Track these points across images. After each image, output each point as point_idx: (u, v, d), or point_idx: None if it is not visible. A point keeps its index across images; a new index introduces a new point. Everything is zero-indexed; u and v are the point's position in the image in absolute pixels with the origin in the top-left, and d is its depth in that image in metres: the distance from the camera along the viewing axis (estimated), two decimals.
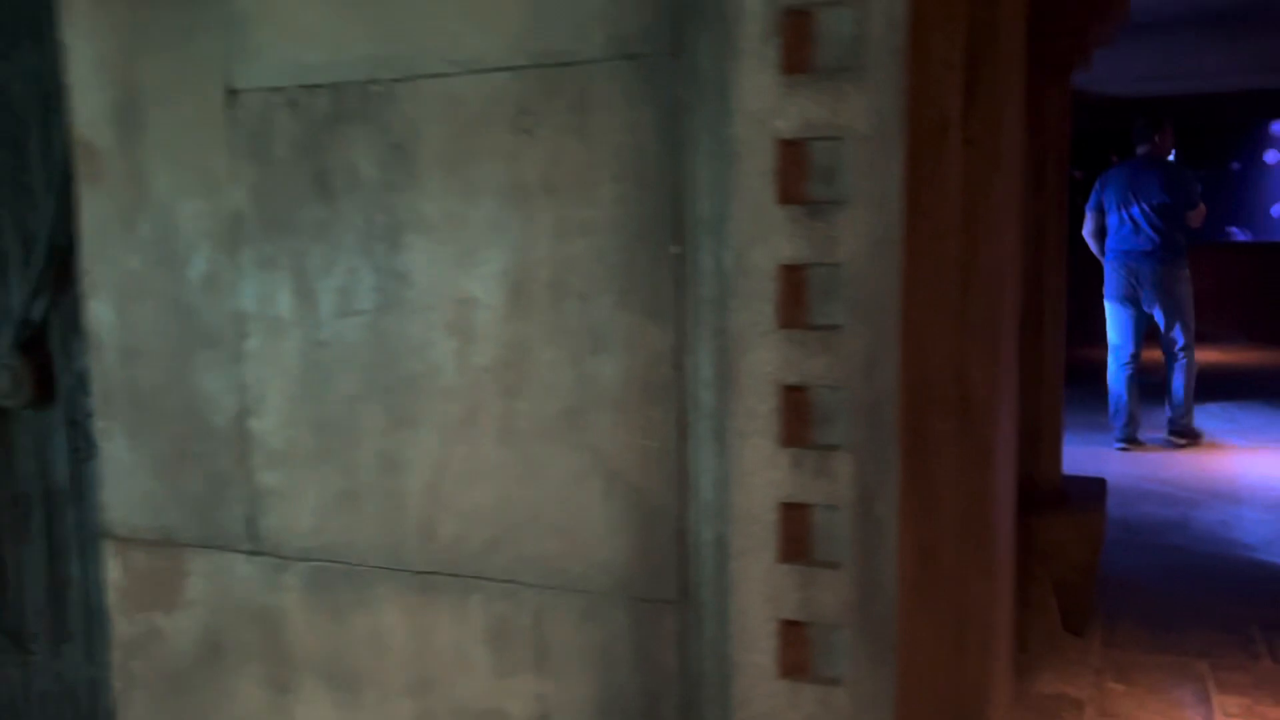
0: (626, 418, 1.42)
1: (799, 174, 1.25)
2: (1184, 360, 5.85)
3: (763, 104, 1.25)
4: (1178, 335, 5.82)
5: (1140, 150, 5.81)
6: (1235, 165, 11.77)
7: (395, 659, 1.59)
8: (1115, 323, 5.92)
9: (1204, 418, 6.46)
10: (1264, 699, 2.83)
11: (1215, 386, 6.83)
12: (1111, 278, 5.89)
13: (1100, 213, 5.88)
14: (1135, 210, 5.70)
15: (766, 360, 1.28)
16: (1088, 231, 5.94)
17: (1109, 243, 5.86)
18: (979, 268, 1.25)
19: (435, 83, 1.48)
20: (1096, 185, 5.94)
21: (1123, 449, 5.88)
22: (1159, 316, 5.79)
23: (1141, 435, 5.99)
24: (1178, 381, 5.93)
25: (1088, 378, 8.09)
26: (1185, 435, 5.98)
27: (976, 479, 1.28)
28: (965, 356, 1.25)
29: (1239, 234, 11.65)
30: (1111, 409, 5.99)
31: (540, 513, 1.48)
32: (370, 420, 1.55)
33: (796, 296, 1.26)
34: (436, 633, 1.56)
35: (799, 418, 1.27)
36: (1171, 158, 6.13)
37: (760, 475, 1.29)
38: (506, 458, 1.49)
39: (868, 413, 1.24)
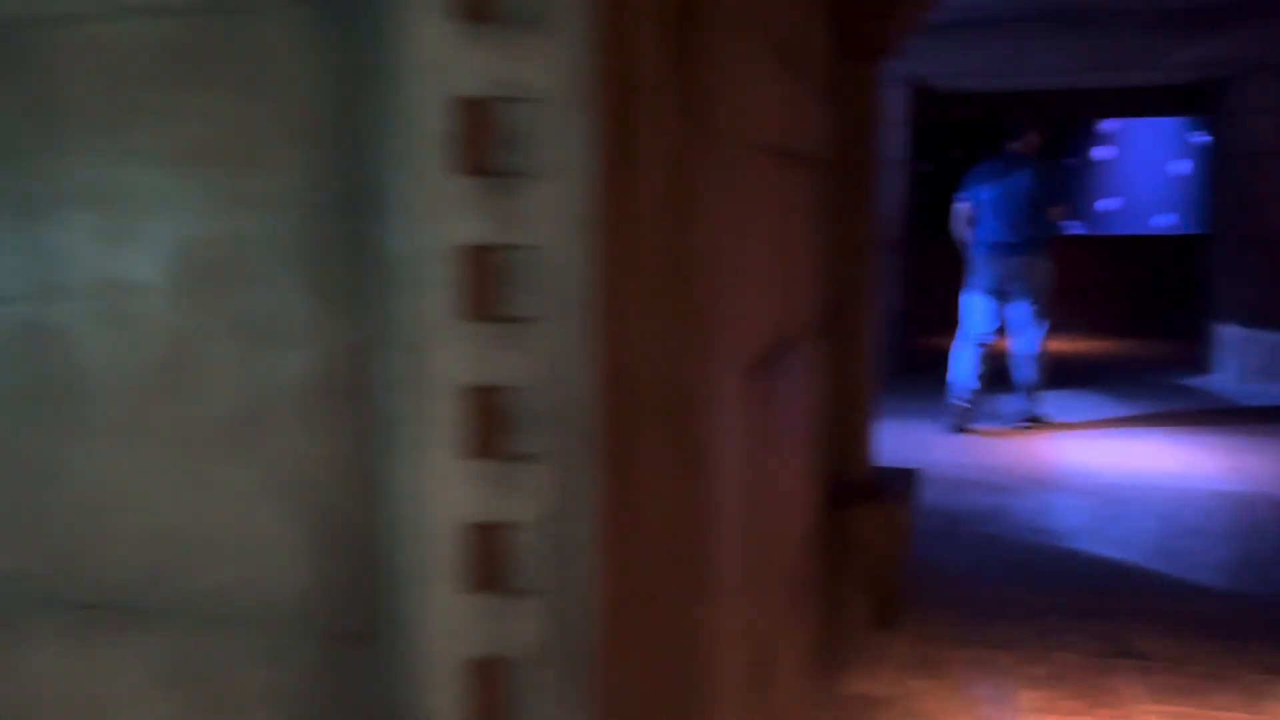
0: (311, 424, 1.22)
1: (483, 140, 1.07)
2: (1037, 350, 6.04)
3: (439, 57, 1.07)
4: (1035, 325, 6.00)
5: (1011, 146, 6.01)
6: (1068, 161, 12.24)
7: (53, 707, 1.35)
8: (975, 311, 6.05)
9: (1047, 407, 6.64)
10: (1062, 691, 2.83)
11: (1051, 375, 7.01)
12: (979, 268, 6.03)
13: (971, 204, 6.05)
14: (1005, 203, 5.88)
15: (450, 358, 1.10)
16: (959, 223, 6.13)
17: (978, 234, 6.03)
18: (694, 254, 1.10)
19: (81, 26, 1.25)
20: (968, 178, 6.13)
21: (963, 433, 6.04)
22: (1019, 307, 5.97)
23: (980, 423, 6.15)
24: (1030, 369, 6.11)
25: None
26: (1033, 420, 6.16)
27: (694, 489, 1.13)
28: (678, 353, 1.11)
29: (1069, 226, 12.12)
30: (955, 394, 6.14)
31: (216, 535, 1.27)
32: (14, 428, 1.31)
33: (483, 284, 1.09)
34: (101, 675, 1.33)
35: (488, 424, 1.10)
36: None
37: (445, 491, 1.12)
38: (176, 471, 1.27)
39: (563, 418, 1.07)
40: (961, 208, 6.12)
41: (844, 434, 3.19)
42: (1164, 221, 11.88)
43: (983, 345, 6.03)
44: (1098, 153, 12.46)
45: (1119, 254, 10.72)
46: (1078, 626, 3.25)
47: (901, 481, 3.43)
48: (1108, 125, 12.27)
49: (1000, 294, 5.96)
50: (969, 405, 6.06)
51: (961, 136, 11.57)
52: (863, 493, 3.22)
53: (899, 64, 7.86)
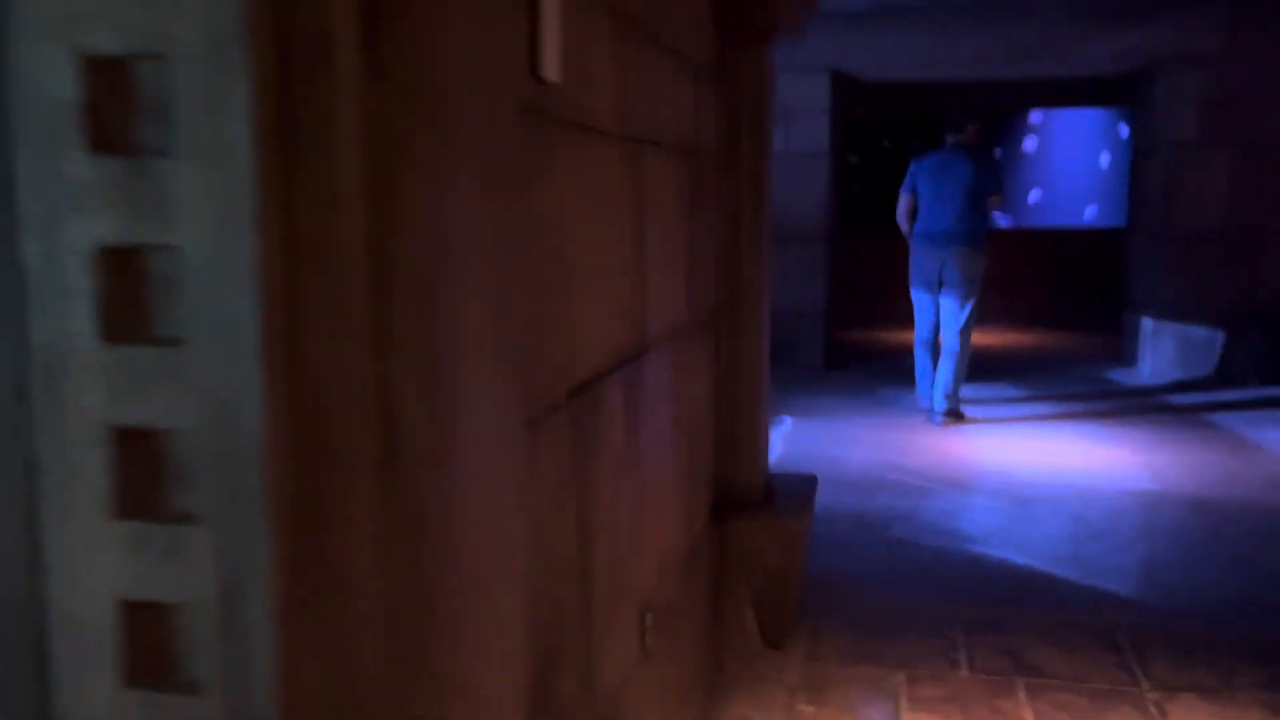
0: None
1: (119, 109, 0.83)
2: (961, 344, 6.01)
3: (66, 3, 0.82)
4: (963, 318, 5.99)
5: (951, 139, 6.08)
6: (998, 152, 12.21)
7: None
8: (921, 299, 6.16)
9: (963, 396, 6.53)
10: (953, 714, 2.66)
11: (974, 368, 6.90)
12: (918, 260, 6.11)
13: (913, 195, 6.10)
14: (945, 195, 5.93)
15: (94, 391, 0.86)
16: (901, 213, 6.17)
17: (918, 225, 6.09)
18: (408, 257, 0.87)
19: None
20: (910, 169, 6.16)
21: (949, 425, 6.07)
22: (952, 297, 6.00)
23: (957, 411, 6.17)
24: (952, 365, 6.05)
25: (888, 358, 8.18)
26: (954, 416, 6.09)
27: (422, 553, 0.91)
28: (393, 382, 0.88)
29: (1000, 219, 12.10)
30: (918, 376, 6.31)
31: None
32: None
33: (130, 297, 0.85)
34: None
35: (142, 476, 0.86)
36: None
37: (93, 561, 0.88)
38: None
39: (229, 469, 0.84)
40: (903, 199, 6.15)
41: (732, 439, 2.99)
42: (1088, 214, 11.91)
43: (930, 344, 6.20)
44: (1025, 144, 12.46)
45: (1042, 246, 10.69)
46: (978, 641, 3.08)
47: (797, 489, 3.24)
48: (1034, 117, 12.26)
49: (936, 285, 6.05)
50: (932, 405, 6.12)
51: (892, 129, 11.49)
52: (751, 502, 3.02)
53: (819, 53, 7.70)
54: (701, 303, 2.70)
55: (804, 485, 3.30)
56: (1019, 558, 3.83)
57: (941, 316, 6.08)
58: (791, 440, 5.65)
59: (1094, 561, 3.79)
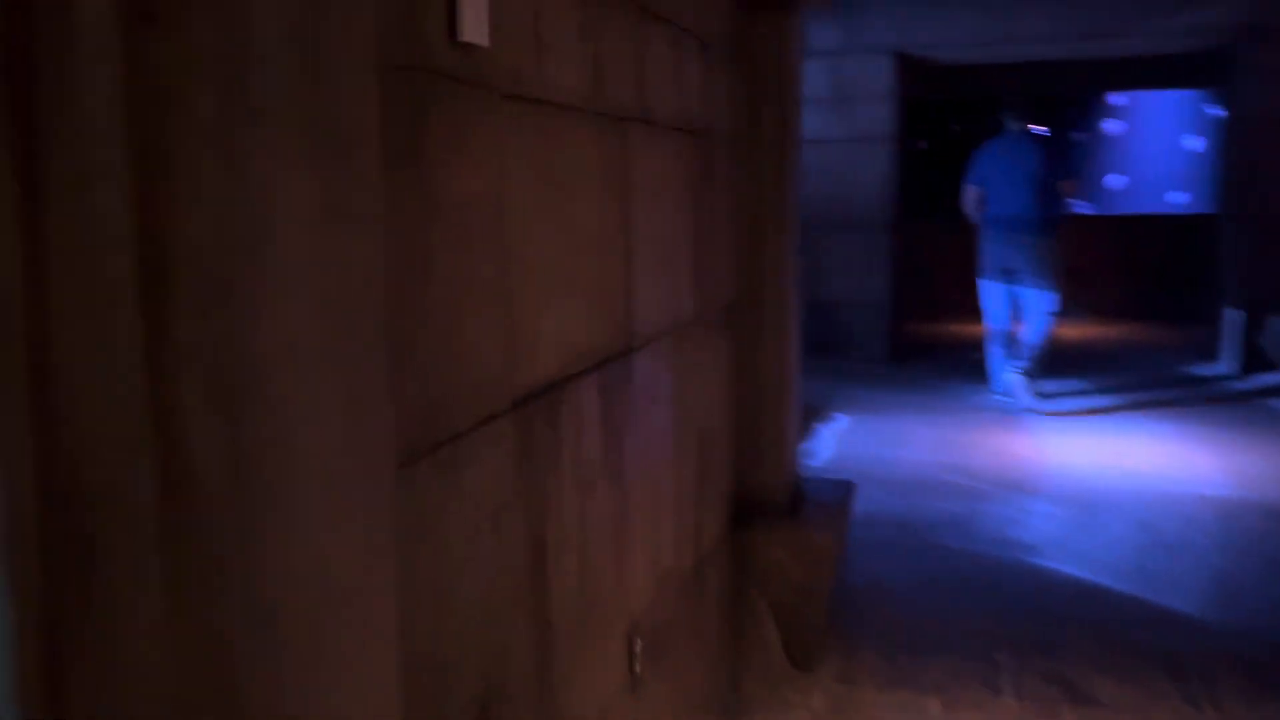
0: None
1: None
2: (1047, 323, 5.90)
3: None
4: (1045, 303, 5.87)
5: (1015, 124, 5.94)
6: (1075, 136, 11.69)
7: None
8: (990, 294, 6.04)
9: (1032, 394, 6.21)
10: None
11: (1051, 363, 6.56)
12: (988, 249, 5.98)
13: (980, 185, 5.96)
14: (1012, 182, 5.80)
15: None
16: (969, 205, 6.04)
17: (988, 214, 5.95)
18: (192, 246, 0.70)
19: None
20: (973, 159, 6.03)
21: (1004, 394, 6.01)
22: (1029, 285, 5.88)
23: (1040, 404, 5.97)
24: (1035, 335, 5.94)
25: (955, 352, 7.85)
26: (1030, 374, 5.96)
27: (217, 597, 0.73)
28: (173, 399, 0.71)
29: (1079, 205, 11.59)
30: (992, 367, 6.17)
31: None
32: None
33: None
34: None
35: None
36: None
37: None
38: None
39: None
40: (971, 189, 6.00)
41: (754, 443, 2.78)
42: (1177, 200, 11.34)
43: (1004, 335, 6.05)
44: (1107, 127, 11.91)
45: (1124, 234, 10.19)
46: (1027, 665, 2.83)
47: (829, 496, 3.02)
48: (1117, 99, 11.71)
49: (1009, 273, 5.89)
50: (1010, 397, 5.97)
51: (961, 112, 11.07)
52: (776, 511, 2.81)
53: (881, 34, 7.41)
54: (714, 296, 2.49)
55: (837, 492, 3.07)
56: (1078, 571, 3.54)
57: (1024, 309, 5.95)
58: (844, 439, 5.40)
59: (1162, 576, 3.49)
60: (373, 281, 0.87)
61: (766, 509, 2.80)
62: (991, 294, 6.04)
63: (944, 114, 11.06)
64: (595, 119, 1.68)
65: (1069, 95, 11.04)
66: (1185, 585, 3.41)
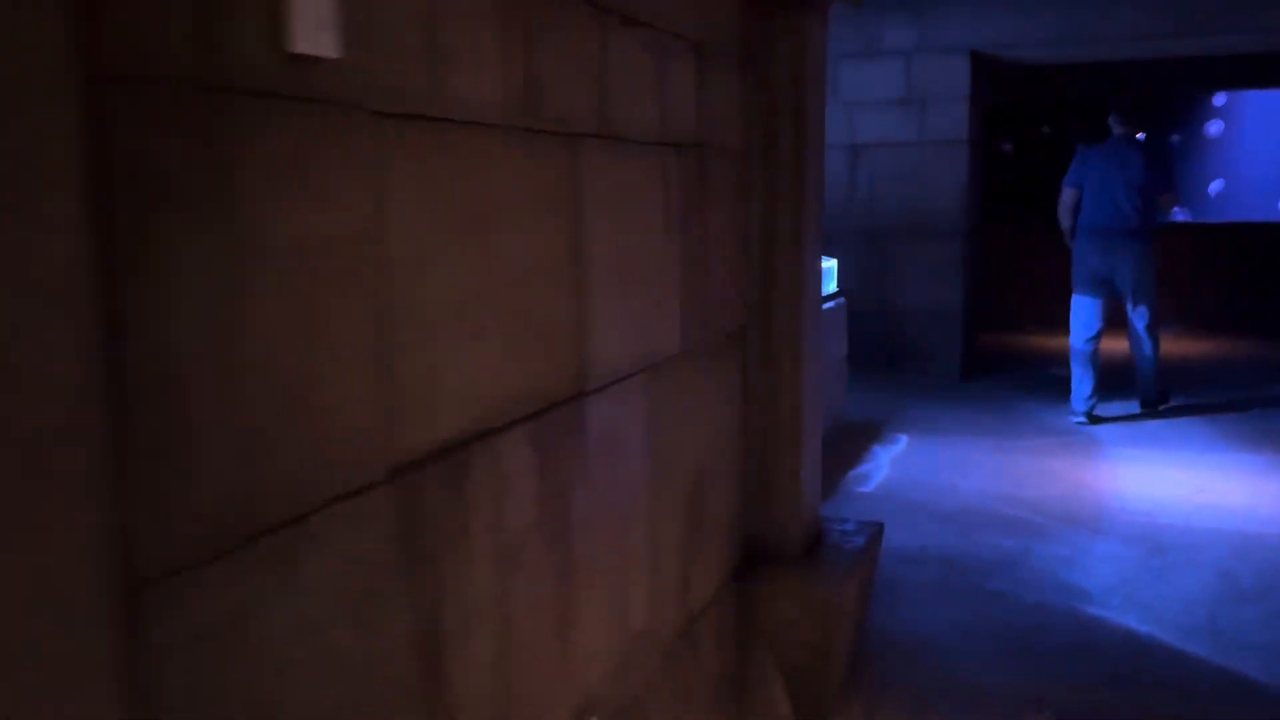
0: None
1: None
2: (1153, 342, 5.82)
3: None
4: (1145, 315, 5.73)
5: (1119, 129, 5.75)
6: (1174, 138, 11.05)
7: None
8: (1084, 302, 5.81)
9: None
10: None
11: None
12: (1083, 260, 5.77)
13: (1078, 189, 5.74)
14: (1117, 189, 5.59)
15: None
16: (1063, 208, 5.81)
17: (1082, 221, 5.74)
18: None
19: None
20: (1075, 160, 5.80)
21: (1081, 423, 5.78)
22: (1128, 296, 5.70)
23: (1100, 410, 5.87)
24: (1148, 360, 5.87)
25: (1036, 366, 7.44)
26: (1160, 402, 5.96)
27: None
28: None
29: (1178, 213, 10.97)
30: (1074, 386, 5.88)
31: None
32: None
33: None
34: None
35: None
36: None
37: None
38: None
39: None
40: (1068, 192, 5.76)
41: (765, 483, 2.55)
42: None
43: (1095, 336, 5.79)
44: (1208, 129, 11.24)
45: (1224, 243, 9.58)
46: None
47: (851, 541, 2.76)
48: (1217, 99, 11.04)
49: (1106, 282, 5.70)
50: (1091, 393, 5.80)
51: (1050, 113, 10.55)
52: (789, 558, 2.57)
53: (956, 32, 7.05)
54: (714, 324, 2.27)
55: (862, 537, 2.81)
56: (1140, 624, 3.21)
57: (1130, 323, 5.80)
58: (900, 463, 5.09)
59: (1235, 634, 3.14)
60: (74, 381, 0.69)
61: (778, 556, 2.56)
62: (1083, 309, 5.79)
63: (1031, 116, 10.56)
64: (528, 137, 1.48)
65: (1166, 95, 10.44)
66: (1259, 645, 3.05)
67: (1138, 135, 5.81)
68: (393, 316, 1.19)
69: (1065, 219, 5.81)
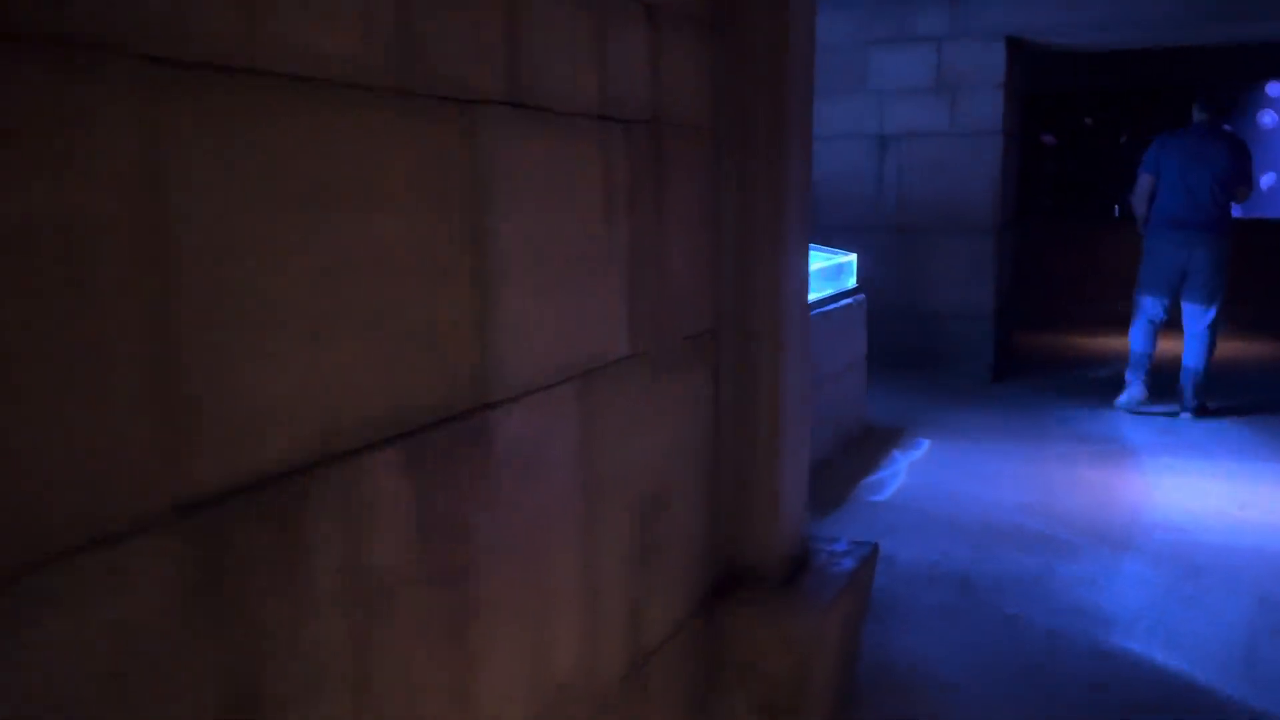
0: None
1: None
2: (1210, 337, 5.58)
3: None
4: (1210, 314, 5.54)
5: (1200, 117, 5.56)
6: (1226, 128, 10.55)
7: None
8: (1145, 307, 5.68)
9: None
10: None
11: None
12: (1156, 253, 5.59)
13: (1155, 177, 5.56)
14: (1197, 179, 5.39)
15: None
16: (1138, 196, 5.65)
17: (1157, 213, 5.56)
18: None
19: None
20: (1153, 147, 5.62)
21: (1132, 411, 5.67)
22: (1195, 291, 5.52)
23: (1152, 406, 5.74)
24: (1200, 355, 5.59)
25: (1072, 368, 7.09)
26: (1203, 410, 5.64)
27: None
28: None
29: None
30: (1130, 369, 5.78)
31: None
32: None
33: None
34: None
35: None
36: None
37: None
38: None
39: None
40: (1144, 179, 5.59)
41: (740, 500, 2.29)
42: None
43: (1159, 323, 5.70)
44: (1267, 119, 10.73)
45: (1276, 240, 9.12)
46: None
47: (840, 565, 2.50)
48: (1271, 89, 10.54)
49: (1178, 271, 5.51)
50: (1146, 377, 5.69)
51: (1094, 104, 10.11)
52: (765, 582, 2.31)
53: (991, 16, 6.70)
54: (670, 326, 2.01)
55: (853, 559, 2.54)
56: (1166, 657, 2.91)
57: (1185, 320, 5.58)
58: (920, 470, 4.80)
59: (1276, 671, 2.83)
60: None
61: (755, 582, 2.31)
62: (1150, 310, 5.65)
63: (1075, 107, 10.13)
64: (402, 100, 1.24)
65: (1217, 84, 9.98)
66: None
67: (1223, 124, 5.58)
68: (179, 319, 0.96)
69: (1140, 206, 5.62)
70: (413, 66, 1.25)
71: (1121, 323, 6.07)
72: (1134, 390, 5.73)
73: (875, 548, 2.64)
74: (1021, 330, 7.82)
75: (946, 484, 4.57)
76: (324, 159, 1.13)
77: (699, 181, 2.09)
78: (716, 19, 2.11)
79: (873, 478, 4.67)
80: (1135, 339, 5.79)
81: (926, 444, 5.23)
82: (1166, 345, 6.05)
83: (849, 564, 2.49)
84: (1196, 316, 5.57)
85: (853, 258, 5.44)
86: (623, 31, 1.75)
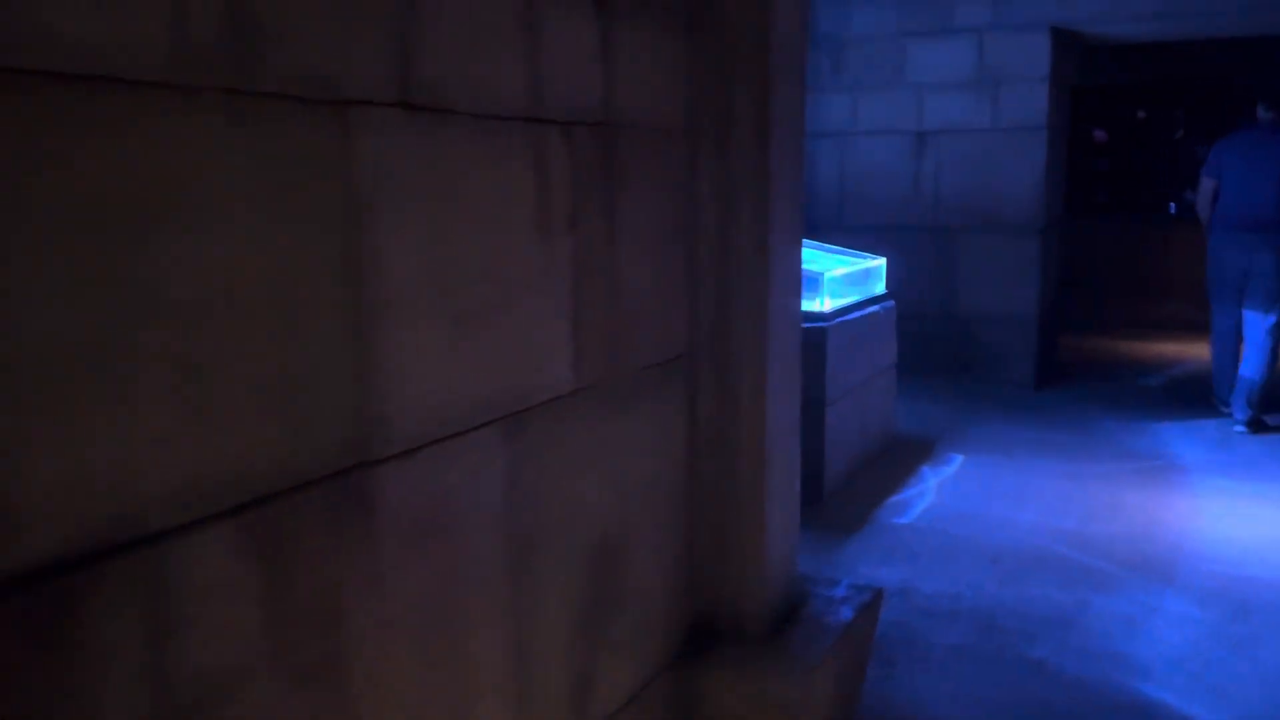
0: None
1: None
2: (1273, 343, 5.27)
3: None
4: (1271, 317, 5.25)
5: (1265, 116, 5.28)
6: None
7: None
8: (1224, 297, 5.41)
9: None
10: None
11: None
12: (1220, 256, 5.37)
13: (1218, 180, 5.36)
14: (1260, 181, 5.17)
15: None
16: (1203, 200, 5.44)
17: (1220, 213, 5.35)
18: None
19: None
20: (1215, 149, 5.43)
21: (1243, 431, 5.29)
22: (1258, 295, 5.24)
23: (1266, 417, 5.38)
24: (1259, 365, 5.26)
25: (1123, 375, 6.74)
26: (1257, 425, 5.31)
27: None
28: None
29: None
30: (1224, 385, 5.51)
31: None
32: None
33: None
34: None
35: None
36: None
37: None
38: None
39: None
40: (1206, 182, 5.38)
41: (719, 543, 2.06)
42: None
43: (1234, 331, 5.44)
44: None
45: None
46: None
47: (836, 614, 2.25)
48: None
49: (1244, 274, 5.27)
50: (1241, 403, 5.33)
51: (1148, 98, 9.66)
52: (746, 635, 2.07)
53: (1035, 6, 6.36)
54: (628, 353, 1.78)
55: (851, 607, 2.28)
56: (1208, 712, 2.62)
57: (1244, 326, 5.35)
58: (949, 489, 4.51)
59: None
60: None
61: (735, 635, 2.07)
62: (1223, 315, 5.42)
63: (1128, 101, 9.69)
64: (235, 102, 1.02)
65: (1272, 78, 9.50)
66: None
67: None
68: None
69: (1204, 210, 5.41)
70: (255, 63, 1.03)
71: (1177, 326, 5.77)
72: (1238, 413, 5.37)
73: (878, 594, 2.38)
74: (1067, 334, 7.46)
75: (977, 505, 4.29)
76: (119, 175, 0.91)
77: (667, 189, 1.86)
78: (689, 8, 1.88)
79: (897, 497, 4.40)
80: (1216, 356, 5.59)
81: (959, 459, 4.94)
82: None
83: (846, 613, 2.24)
84: (1256, 323, 5.29)
85: (882, 262, 5.15)
86: (561, 21, 1.52)
